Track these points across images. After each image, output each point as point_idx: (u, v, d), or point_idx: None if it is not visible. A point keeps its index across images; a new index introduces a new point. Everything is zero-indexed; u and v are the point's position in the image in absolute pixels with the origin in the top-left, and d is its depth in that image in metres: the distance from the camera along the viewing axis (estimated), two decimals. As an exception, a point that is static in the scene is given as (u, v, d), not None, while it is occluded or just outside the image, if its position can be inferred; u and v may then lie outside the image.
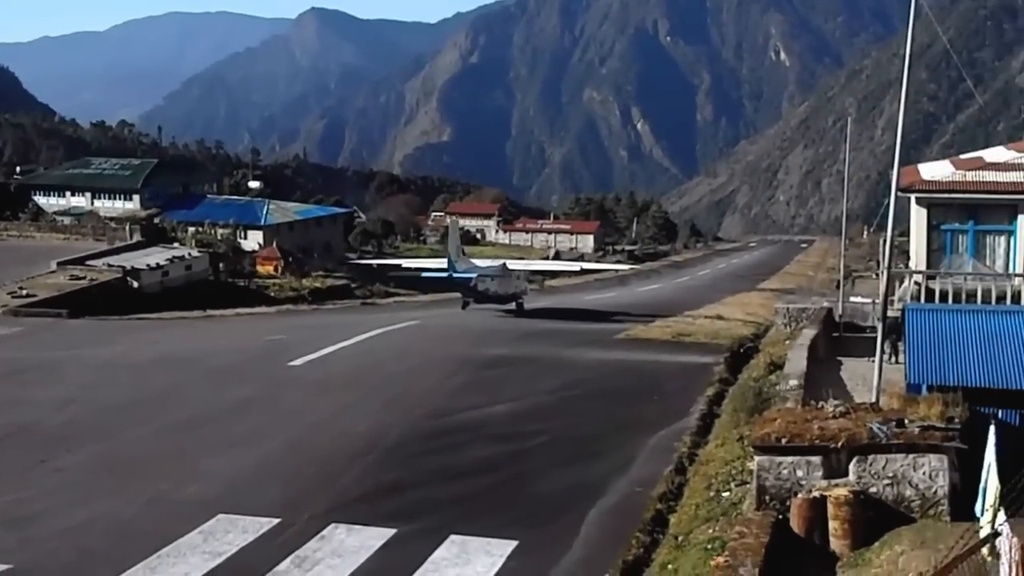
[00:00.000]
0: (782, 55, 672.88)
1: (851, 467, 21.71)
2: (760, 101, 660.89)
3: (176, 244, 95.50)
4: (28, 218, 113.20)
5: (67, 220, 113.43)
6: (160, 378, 39.77)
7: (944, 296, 30.87)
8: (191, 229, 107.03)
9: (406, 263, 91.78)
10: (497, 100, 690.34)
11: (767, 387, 35.03)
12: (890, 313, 29.00)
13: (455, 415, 33.78)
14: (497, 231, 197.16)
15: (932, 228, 32.41)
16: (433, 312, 71.84)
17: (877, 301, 31.45)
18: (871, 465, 21.63)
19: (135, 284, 76.67)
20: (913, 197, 32.47)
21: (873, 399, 25.41)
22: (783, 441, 22.06)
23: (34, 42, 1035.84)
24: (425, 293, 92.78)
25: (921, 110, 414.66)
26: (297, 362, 42.96)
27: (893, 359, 34.35)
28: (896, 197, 26.95)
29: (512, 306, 69.90)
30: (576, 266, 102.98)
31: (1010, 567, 16.09)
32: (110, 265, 78.65)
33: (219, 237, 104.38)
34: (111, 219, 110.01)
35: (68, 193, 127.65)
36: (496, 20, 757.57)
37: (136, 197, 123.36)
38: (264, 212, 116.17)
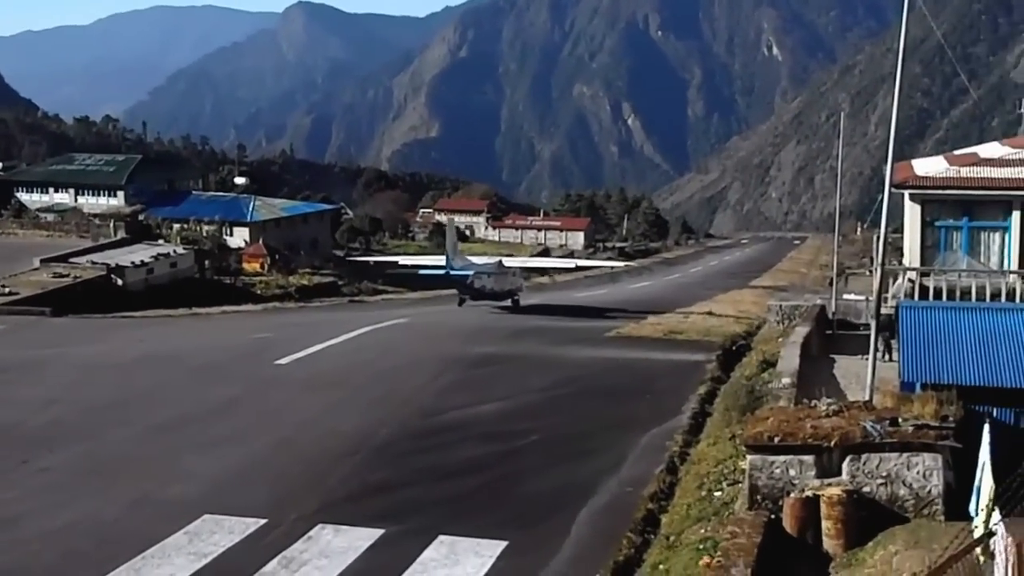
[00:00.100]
0: (774, 50, 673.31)
1: (844, 466, 21.73)
2: (752, 96, 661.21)
3: (161, 241, 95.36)
4: (10, 215, 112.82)
5: (50, 217, 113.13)
6: (145, 377, 39.72)
7: (938, 293, 30.90)
8: (176, 226, 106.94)
9: (403, 260, 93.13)
10: (486, 95, 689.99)
11: (759, 385, 35.10)
12: (884, 310, 29.06)
13: (444, 414, 33.78)
14: (486, 228, 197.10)
15: (926, 225, 32.42)
16: (422, 310, 72.03)
17: (871, 298, 31.47)
18: (864, 464, 21.64)
19: (119, 282, 76.46)
20: (907, 193, 32.48)
21: (867, 397, 25.42)
22: (776, 440, 22.06)
23: (16, 36, 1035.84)
24: (414, 290, 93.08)
25: (915, 105, 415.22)
26: (284, 360, 42.94)
27: (887, 357, 34.41)
28: (890, 193, 26.91)
29: (508, 303, 71.02)
30: (571, 263, 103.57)
31: (1005, 567, 16.10)
32: (94, 263, 78.39)
33: (205, 234, 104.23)
34: (95, 216, 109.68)
35: (51, 189, 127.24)
36: (485, 14, 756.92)
37: (120, 193, 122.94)
38: (250, 209, 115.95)
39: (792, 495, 21.47)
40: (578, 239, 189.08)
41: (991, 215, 32.21)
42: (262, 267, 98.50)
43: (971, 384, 24.87)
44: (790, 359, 35.82)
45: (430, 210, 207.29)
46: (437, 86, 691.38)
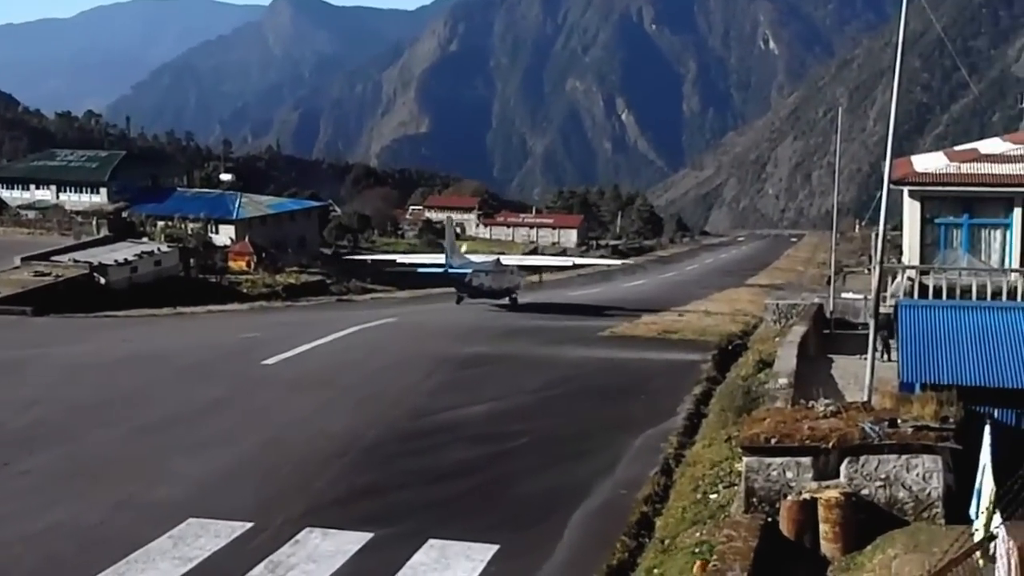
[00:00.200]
0: (771, 44, 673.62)
1: (842, 468, 21.76)
2: (748, 91, 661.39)
3: (145, 239, 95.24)
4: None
5: (31, 214, 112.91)
6: (129, 378, 39.68)
7: (938, 292, 30.94)
8: (160, 223, 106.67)
9: (400, 258, 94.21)
10: (477, 90, 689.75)
11: (756, 386, 35.14)
12: (882, 309, 29.10)
13: (434, 415, 33.80)
14: (477, 225, 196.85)
15: (926, 222, 32.48)
16: (411, 309, 72.13)
17: (869, 297, 31.51)
18: (863, 466, 21.68)
19: (102, 280, 76.33)
20: (906, 190, 32.53)
21: (865, 398, 25.46)
22: (772, 441, 22.09)
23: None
24: (403, 289, 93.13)
25: (914, 100, 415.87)
26: (271, 361, 42.92)
27: (886, 357, 34.49)
28: (889, 190, 26.96)
29: (506, 301, 72.10)
30: (568, 261, 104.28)
31: (1006, 571, 16.13)
32: (76, 261, 78.28)
33: (189, 232, 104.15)
34: (77, 213, 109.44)
35: (32, 186, 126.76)
36: (476, 7, 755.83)
37: (103, 190, 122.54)
38: (236, 206, 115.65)
39: (789, 498, 21.50)
40: (571, 237, 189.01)
41: (992, 212, 32.27)
42: (248, 265, 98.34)
43: (971, 384, 24.94)
44: (787, 359, 35.86)
45: (420, 207, 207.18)
46: (427, 80, 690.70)
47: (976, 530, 18.37)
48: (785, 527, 21.23)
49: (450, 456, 28.76)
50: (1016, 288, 30.67)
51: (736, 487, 24.07)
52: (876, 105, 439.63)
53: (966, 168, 32.65)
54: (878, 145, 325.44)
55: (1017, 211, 31.57)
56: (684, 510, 24.16)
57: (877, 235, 28.28)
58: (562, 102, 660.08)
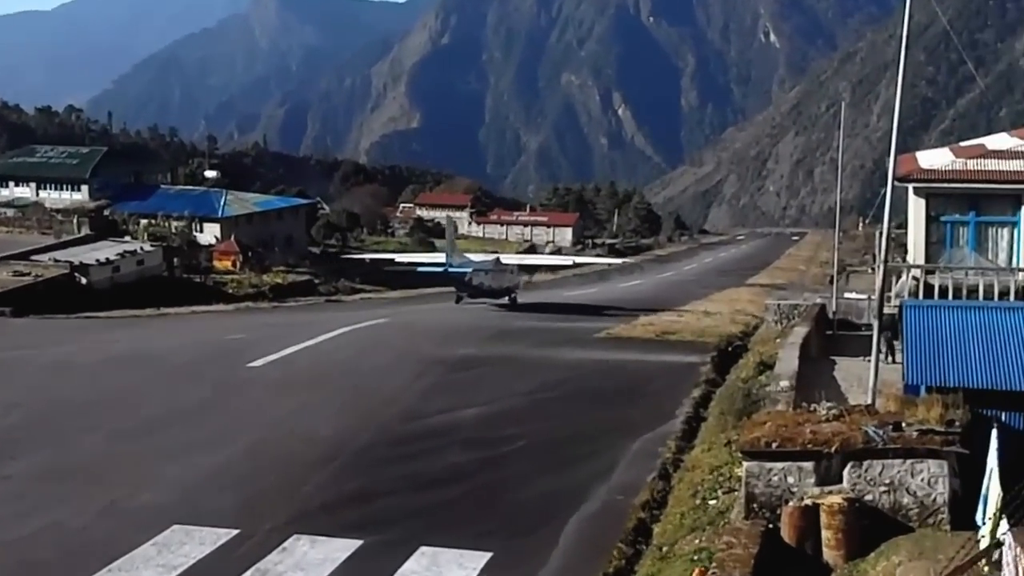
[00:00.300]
0: (772, 36, 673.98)
1: (845, 473, 21.79)
2: (748, 85, 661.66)
3: (127, 238, 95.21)
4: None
5: (10, 212, 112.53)
6: (111, 380, 39.68)
7: (944, 292, 31.01)
8: (143, 222, 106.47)
9: (399, 258, 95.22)
10: (469, 84, 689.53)
11: (756, 388, 35.17)
12: (887, 310, 29.10)
13: (425, 418, 33.81)
14: (470, 223, 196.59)
15: (931, 220, 32.55)
16: (402, 309, 72.26)
17: (873, 297, 31.58)
18: (866, 471, 21.70)
19: (83, 280, 76.32)
20: (911, 187, 32.60)
21: (869, 401, 25.49)
22: (773, 446, 22.12)
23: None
24: (394, 289, 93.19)
25: (919, 95, 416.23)
26: (257, 363, 42.92)
27: (890, 359, 34.50)
28: (893, 187, 27.00)
29: (505, 300, 73.05)
30: (568, 260, 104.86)
31: (1013, 578, 16.16)
32: (57, 260, 78.24)
33: (173, 230, 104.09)
34: (58, 211, 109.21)
35: (11, 183, 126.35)
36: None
37: (84, 188, 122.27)
38: (221, 203, 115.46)
39: (791, 504, 21.52)
40: (566, 235, 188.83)
41: (999, 209, 32.34)
42: (234, 265, 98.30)
43: (978, 387, 24.92)
44: (788, 361, 35.86)
45: (411, 205, 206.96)
46: (418, 74, 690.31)
47: (982, 537, 18.39)
48: (786, 534, 21.25)
49: (442, 460, 28.76)
50: (1024, 288, 30.74)
51: (736, 493, 24.09)
52: (880, 100, 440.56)
53: (972, 164, 32.72)
54: (882, 141, 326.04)
55: (1025, 208, 31.65)
56: (683, 516, 24.19)
57: (881, 233, 28.26)
58: (557, 97, 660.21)
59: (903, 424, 22.15)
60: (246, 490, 25.63)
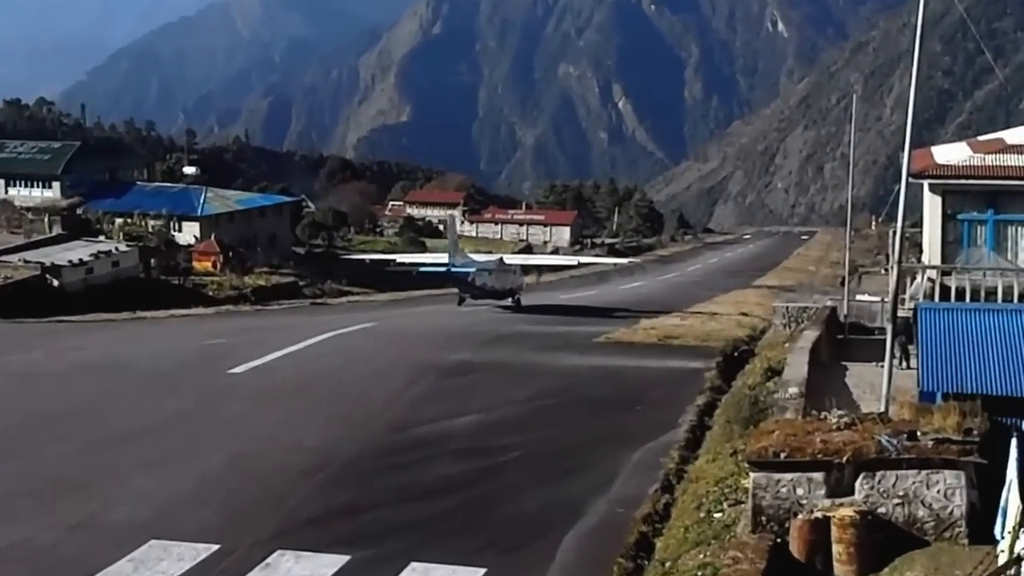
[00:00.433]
0: (779, 25, 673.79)
1: (857, 485, 21.77)
2: (755, 77, 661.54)
3: (102, 238, 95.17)
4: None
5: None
6: (85, 388, 39.65)
7: (961, 294, 31.05)
8: (119, 221, 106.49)
9: (400, 258, 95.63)
10: (462, 76, 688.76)
11: (764, 395, 35.20)
12: (901, 313, 29.13)
13: (416, 428, 33.81)
14: (463, 222, 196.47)
15: (947, 218, 32.60)
16: (391, 312, 72.32)
17: (886, 299, 31.61)
18: (879, 482, 21.70)
19: (55, 282, 76.28)
20: (926, 184, 32.65)
21: (882, 408, 25.51)
22: (782, 456, 22.11)
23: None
24: (383, 291, 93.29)
25: (935, 86, 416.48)
26: (239, 369, 42.91)
27: (904, 364, 34.54)
28: (907, 184, 27.01)
29: (508, 302, 73.97)
30: (574, 260, 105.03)
31: (1034, 595, 16.17)
32: (27, 261, 78.14)
33: (150, 229, 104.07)
34: (27, 209, 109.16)
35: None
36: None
37: (56, 185, 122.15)
38: (201, 201, 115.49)
39: (800, 516, 21.51)
40: (563, 235, 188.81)
41: (1019, 207, 32.38)
42: (214, 266, 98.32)
43: (997, 394, 24.92)
44: (798, 366, 35.90)
45: (400, 203, 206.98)
46: (408, 66, 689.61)
47: (1002, 551, 18.40)
48: (795, 548, 21.24)
49: (434, 472, 28.75)
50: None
51: (742, 505, 24.09)
52: (893, 92, 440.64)
53: (991, 160, 32.76)
54: (896, 135, 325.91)
55: (1046, 206, 31.68)
56: (686, 530, 24.17)
57: (895, 232, 28.30)
58: (554, 89, 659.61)
59: (918, 433, 22.14)
60: (227, 503, 25.59)
